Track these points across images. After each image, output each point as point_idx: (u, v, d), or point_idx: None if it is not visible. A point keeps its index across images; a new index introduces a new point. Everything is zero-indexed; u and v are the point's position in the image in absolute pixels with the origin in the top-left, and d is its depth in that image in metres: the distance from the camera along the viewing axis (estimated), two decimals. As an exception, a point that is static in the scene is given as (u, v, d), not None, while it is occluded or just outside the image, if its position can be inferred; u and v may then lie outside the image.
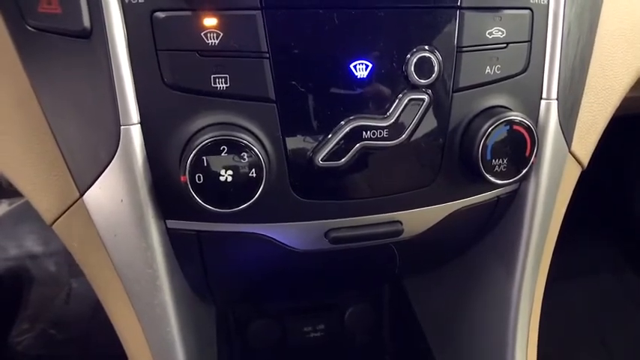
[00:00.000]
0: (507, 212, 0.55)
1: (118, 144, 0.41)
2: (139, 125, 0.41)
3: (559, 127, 0.51)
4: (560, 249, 0.59)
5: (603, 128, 0.58)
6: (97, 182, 0.43)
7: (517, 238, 0.54)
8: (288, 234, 0.48)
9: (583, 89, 0.53)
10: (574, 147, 0.54)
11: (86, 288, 1.28)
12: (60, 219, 0.46)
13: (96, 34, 0.40)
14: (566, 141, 0.52)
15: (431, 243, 0.52)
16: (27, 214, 1.50)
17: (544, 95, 0.49)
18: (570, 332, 1.05)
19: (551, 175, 0.52)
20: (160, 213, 0.44)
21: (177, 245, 0.47)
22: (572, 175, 0.56)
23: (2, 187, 1.02)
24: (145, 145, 0.42)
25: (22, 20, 0.40)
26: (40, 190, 0.46)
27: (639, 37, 0.58)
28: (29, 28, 0.40)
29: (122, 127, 0.41)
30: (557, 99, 0.50)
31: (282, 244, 0.48)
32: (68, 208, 0.46)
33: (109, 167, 0.42)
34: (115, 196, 0.43)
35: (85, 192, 0.44)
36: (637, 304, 1.15)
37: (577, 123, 0.54)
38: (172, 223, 0.45)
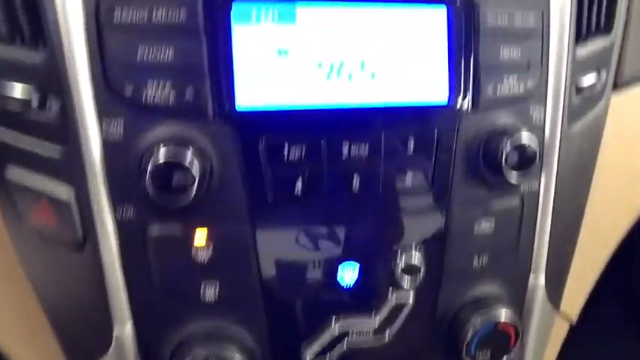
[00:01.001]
0: None
1: (112, 341, 0.43)
2: (131, 325, 0.42)
3: (546, 296, 0.51)
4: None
5: (594, 281, 0.58)
6: None
7: None
8: None
9: (573, 254, 0.53)
10: (563, 307, 0.54)
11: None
12: None
13: (89, 245, 0.41)
14: (554, 306, 0.53)
15: None
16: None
17: (532, 269, 0.50)
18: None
19: (538, 340, 0.53)
20: None
21: None
22: (560, 331, 0.57)
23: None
24: (137, 342, 0.43)
25: (20, 225, 0.42)
26: None
27: (633, 190, 0.58)
28: (26, 233, 0.42)
29: (115, 326, 0.42)
30: (545, 271, 0.50)
31: None
32: None
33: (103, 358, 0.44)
34: None
35: None
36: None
37: (566, 286, 0.54)
38: None
